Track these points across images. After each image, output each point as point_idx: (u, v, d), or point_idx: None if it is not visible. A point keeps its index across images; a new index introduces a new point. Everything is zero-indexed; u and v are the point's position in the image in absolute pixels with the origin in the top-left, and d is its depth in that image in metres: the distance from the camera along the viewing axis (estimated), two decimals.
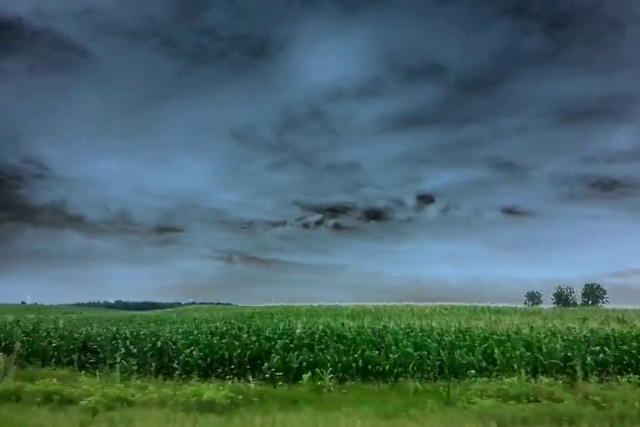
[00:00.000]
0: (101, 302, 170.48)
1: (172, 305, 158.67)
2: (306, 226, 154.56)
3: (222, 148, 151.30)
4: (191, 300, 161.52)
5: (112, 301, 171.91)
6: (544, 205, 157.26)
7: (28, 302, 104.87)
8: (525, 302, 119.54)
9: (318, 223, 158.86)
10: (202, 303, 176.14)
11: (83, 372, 11.99)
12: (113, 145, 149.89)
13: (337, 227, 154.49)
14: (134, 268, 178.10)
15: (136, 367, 12.16)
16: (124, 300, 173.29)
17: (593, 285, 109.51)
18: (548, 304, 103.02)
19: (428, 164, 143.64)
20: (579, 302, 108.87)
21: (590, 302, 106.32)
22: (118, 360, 11.81)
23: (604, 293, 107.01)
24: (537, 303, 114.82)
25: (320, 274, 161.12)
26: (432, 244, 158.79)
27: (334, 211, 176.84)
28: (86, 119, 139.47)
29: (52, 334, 14.03)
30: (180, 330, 14.90)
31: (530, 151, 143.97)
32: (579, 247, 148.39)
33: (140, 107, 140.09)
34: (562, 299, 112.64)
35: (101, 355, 12.74)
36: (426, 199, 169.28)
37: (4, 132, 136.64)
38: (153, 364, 12.11)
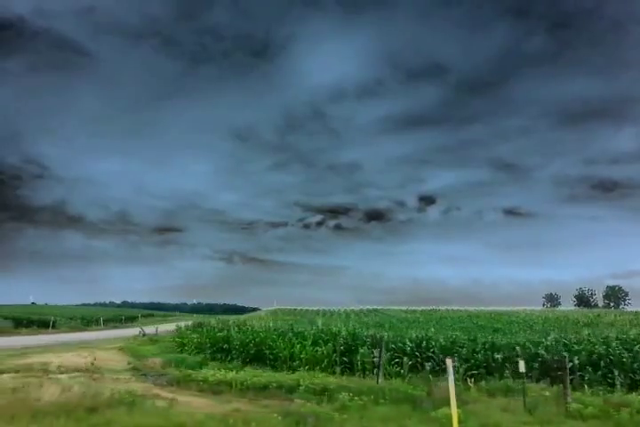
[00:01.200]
0: (107, 302, 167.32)
1: (176, 306, 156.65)
2: (306, 227, 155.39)
3: (223, 148, 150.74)
4: (195, 300, 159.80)
5: (118, 301, 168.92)
6: (545, 206, 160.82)
7: (32, 302, 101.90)
8: (544, 304, 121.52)
9: (319, 224, 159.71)
10: (207, 304, 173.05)
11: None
12: (113, 145, 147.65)
13: (338, 228, 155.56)
14: (134, 268, 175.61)
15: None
16: (130, 300, 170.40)
17: (614, 287, 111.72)
18: (567, 306, 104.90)
19: (430, 165, 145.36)
20: (600, 304, 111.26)
21: (612, 305, 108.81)
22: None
23: (626, 295, 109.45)
24: (556, 305, 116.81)
25: (320, 275, 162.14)
26: (432, 245, 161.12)
27: (335, 212, 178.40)
28: (87, 119, 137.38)
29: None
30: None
31: (532, 152, 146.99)
32: (579, 249, 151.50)
33: (140, 106, 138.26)
34: (583, 301, 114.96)
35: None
36: (427, 200, 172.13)
37: (5, 131, 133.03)
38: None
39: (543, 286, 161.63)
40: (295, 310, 58.51)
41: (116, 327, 44.61)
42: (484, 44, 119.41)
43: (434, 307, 59.79)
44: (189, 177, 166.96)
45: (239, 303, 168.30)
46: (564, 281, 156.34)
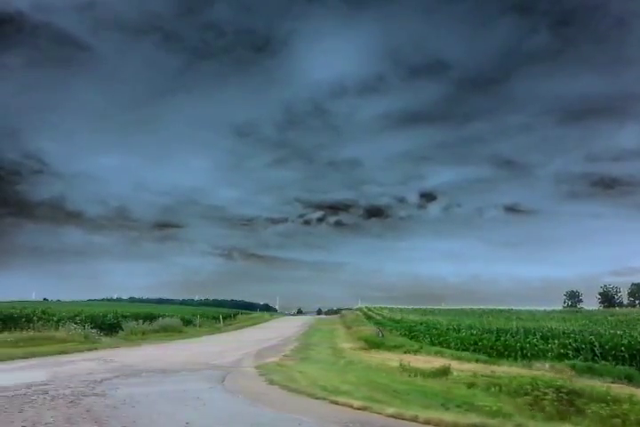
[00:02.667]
0: (114, 297, 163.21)
1: (184, 301, 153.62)
2: (307, 223, 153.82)
3: (223, 144, 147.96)
4: (198, 296, 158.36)
5: (124, 297, 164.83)
6: (546, 203, 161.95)
7: (33, 297, 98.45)
8: (565, 302, 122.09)
9: (319, 220, 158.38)
10: (215, 300, 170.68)
11: None
12: (113, 140, 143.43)
13: (338, 224, 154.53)
14: (134, 264, 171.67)
15: None
16: (136, 296, 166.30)
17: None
18: (589, 305, 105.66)
19: (431, 161, 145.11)
20: (625, 302, 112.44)
21: (637, 303, 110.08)
22: None
23: None
24: (577, 303, 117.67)
25: (320, 271, 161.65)
26: (433, 242, 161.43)
27: (335, 208, 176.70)
28: (87, 114, 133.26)
29: None
30: None
31: (533, 149, 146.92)
32: (580, 246, 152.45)
33: (141, 102, 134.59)
34: (607, 299, 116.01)
35: None
36: (427, 197, 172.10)
37: (4, 126, 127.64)
38: None
39: (543, 283, 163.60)
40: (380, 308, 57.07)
41: (230, 325, 42.63)
42: (487, 40, 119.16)
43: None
44: (189, 173, 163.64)
45: (246, 299, 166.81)
46: (564, 278, 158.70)
